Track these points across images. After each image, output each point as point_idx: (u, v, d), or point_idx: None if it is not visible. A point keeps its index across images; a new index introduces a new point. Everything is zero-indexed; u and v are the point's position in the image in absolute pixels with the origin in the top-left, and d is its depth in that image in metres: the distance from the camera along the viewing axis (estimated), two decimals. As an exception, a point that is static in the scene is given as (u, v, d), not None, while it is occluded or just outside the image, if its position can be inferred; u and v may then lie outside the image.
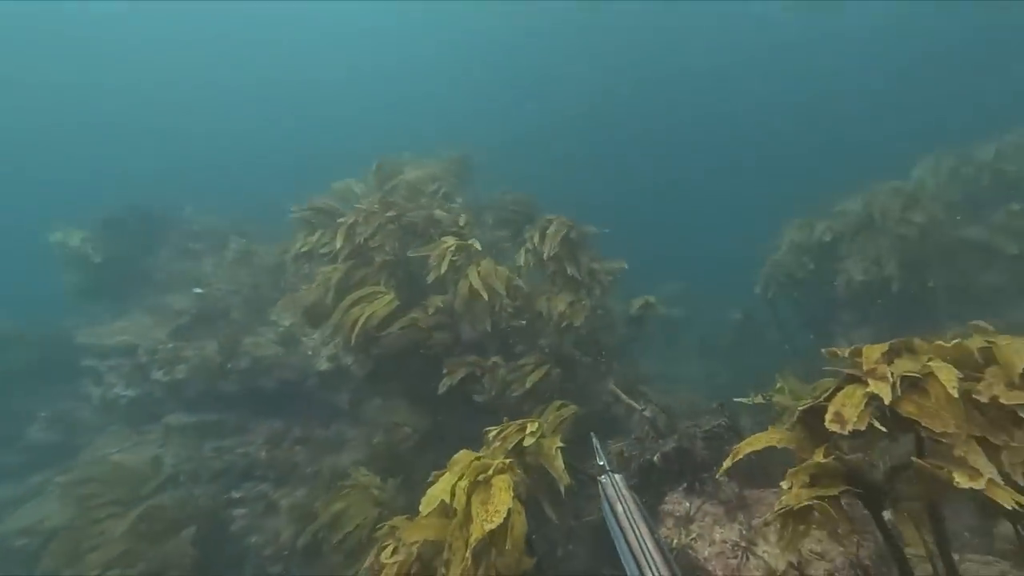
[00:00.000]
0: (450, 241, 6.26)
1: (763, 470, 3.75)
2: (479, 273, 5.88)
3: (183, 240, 8.99)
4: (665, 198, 27.67)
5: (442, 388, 5.83)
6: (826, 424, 2.25)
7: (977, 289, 7.05)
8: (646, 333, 7.42)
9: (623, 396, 4.07)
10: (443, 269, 6.03)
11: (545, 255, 6.09)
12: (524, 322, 6.59)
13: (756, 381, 5.21)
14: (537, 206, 8.12)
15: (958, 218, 7.35)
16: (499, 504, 2.89)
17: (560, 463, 3.43)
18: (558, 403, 5.34)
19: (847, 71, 29.12)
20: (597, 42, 31.33)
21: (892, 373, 2.24)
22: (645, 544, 1.75)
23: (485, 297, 5.71)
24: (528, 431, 3.56)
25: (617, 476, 2.14)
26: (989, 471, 2.01)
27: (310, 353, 8.74)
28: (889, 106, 26.91)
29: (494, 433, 3.82)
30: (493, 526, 2.80)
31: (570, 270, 6.23)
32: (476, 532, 2.79)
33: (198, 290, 8.70)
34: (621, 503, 1.98)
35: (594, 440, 2.75)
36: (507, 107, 32.58)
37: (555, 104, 31.84)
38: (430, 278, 6.17)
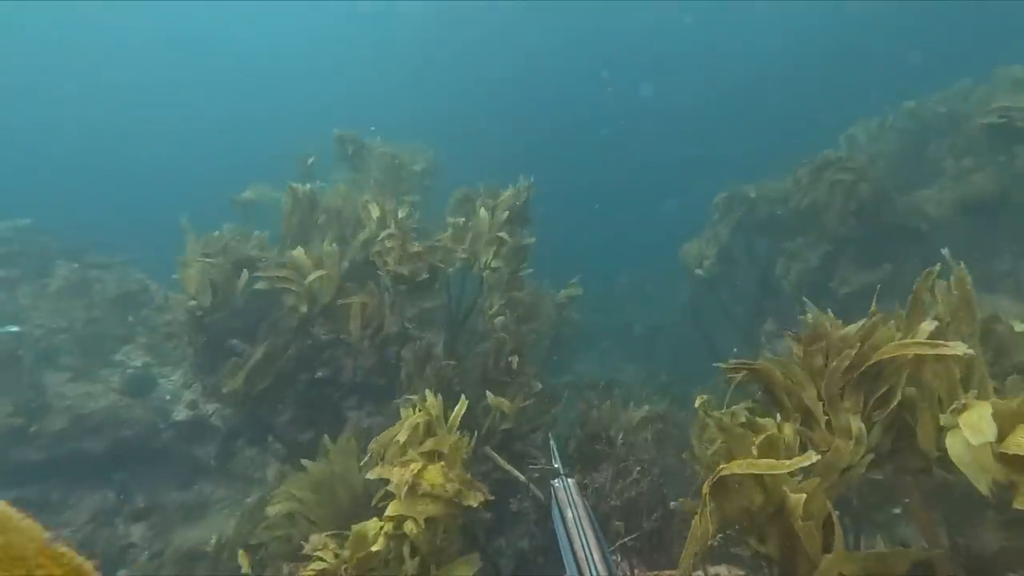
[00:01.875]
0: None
1: (662, 542, 2.91)
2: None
3: (-11, 267, 7.09)
4: (616, 188, 27.82)
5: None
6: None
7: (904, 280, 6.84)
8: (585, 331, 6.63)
9: (500, 462, 3.08)
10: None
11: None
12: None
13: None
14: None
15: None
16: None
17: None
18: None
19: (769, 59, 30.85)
20: (538, 37, 31.31)
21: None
22: (591, 554, 1.69)
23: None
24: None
25: (570, 481, 2.07)
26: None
27: (168, 398, 7.12)
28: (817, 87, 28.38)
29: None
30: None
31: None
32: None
33: (13, 328, 6.85)
34: (572, 509, 1.91)
35: (551, 441, 2.67)
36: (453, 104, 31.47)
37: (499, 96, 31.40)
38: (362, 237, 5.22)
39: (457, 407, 3.15)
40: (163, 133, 33.54)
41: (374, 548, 2.90)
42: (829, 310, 2.38)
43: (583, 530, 1.80)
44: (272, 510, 3.79)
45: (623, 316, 12.72)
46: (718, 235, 8.49)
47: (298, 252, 5.15)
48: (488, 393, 4.12)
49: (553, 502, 2.03)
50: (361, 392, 5.16)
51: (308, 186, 6.21)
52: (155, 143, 32.78)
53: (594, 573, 1.64)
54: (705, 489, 2.15)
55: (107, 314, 7.24)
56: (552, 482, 2.11)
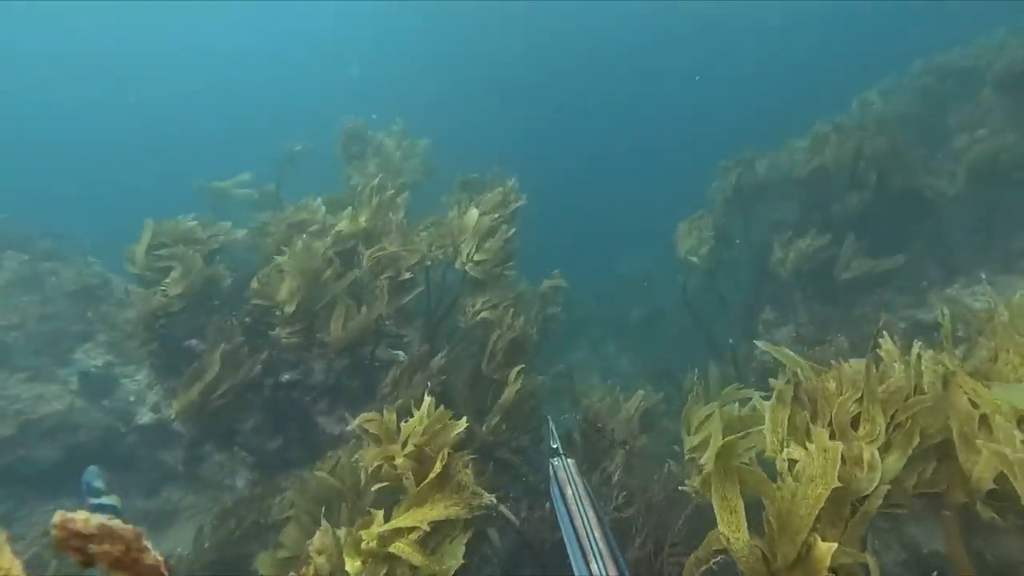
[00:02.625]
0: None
1: (652, 570, 2.55)
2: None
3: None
4: (616, 178, 27.24)
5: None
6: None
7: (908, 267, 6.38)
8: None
9: (496, 502, 2.73)
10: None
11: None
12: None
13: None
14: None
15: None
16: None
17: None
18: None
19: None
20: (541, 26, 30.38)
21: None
22: (591, 529, 1.71)
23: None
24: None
25: (570, 460, 2.08)
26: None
27: (132, 399, 6.68)
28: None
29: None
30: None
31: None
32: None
33: (-41, 328, 6.34)
34: (571, 487, 1.93)
35: (549, 423, 2.69)
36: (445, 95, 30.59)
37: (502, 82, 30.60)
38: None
39: (459, 421, 2.83)
40: (157, 134, 32.44)
41: (348, 568, 2.59)
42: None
43: (583, 507, 1.79)
44: (320, 472, 3.53)
45: (620, 304, 12.31)
46: (714, 212, 8.11)
47: (318, 244, 4.70)
48: (512, 371, 3.83)
49: (552, 480, 2.03)
50: (332, 395, 4.74)
51: (319, 199, 5.78)
52: (146, 143, 31.72)
53: (595, 548, 1.63)
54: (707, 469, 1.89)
55: (64, 309, 6.74)
56: (552, 461, 2.10)
